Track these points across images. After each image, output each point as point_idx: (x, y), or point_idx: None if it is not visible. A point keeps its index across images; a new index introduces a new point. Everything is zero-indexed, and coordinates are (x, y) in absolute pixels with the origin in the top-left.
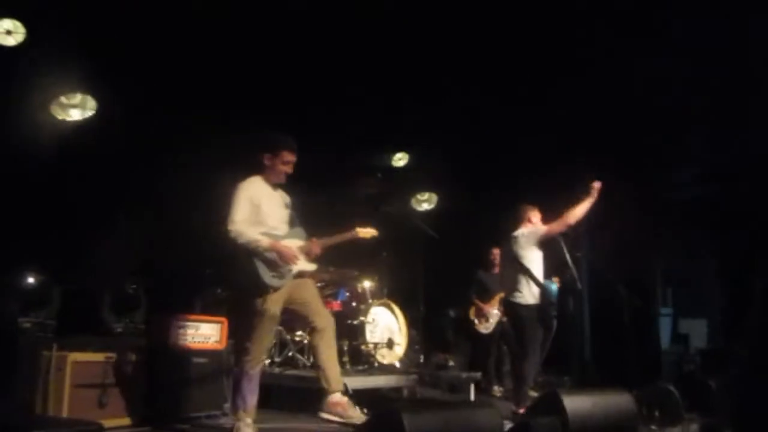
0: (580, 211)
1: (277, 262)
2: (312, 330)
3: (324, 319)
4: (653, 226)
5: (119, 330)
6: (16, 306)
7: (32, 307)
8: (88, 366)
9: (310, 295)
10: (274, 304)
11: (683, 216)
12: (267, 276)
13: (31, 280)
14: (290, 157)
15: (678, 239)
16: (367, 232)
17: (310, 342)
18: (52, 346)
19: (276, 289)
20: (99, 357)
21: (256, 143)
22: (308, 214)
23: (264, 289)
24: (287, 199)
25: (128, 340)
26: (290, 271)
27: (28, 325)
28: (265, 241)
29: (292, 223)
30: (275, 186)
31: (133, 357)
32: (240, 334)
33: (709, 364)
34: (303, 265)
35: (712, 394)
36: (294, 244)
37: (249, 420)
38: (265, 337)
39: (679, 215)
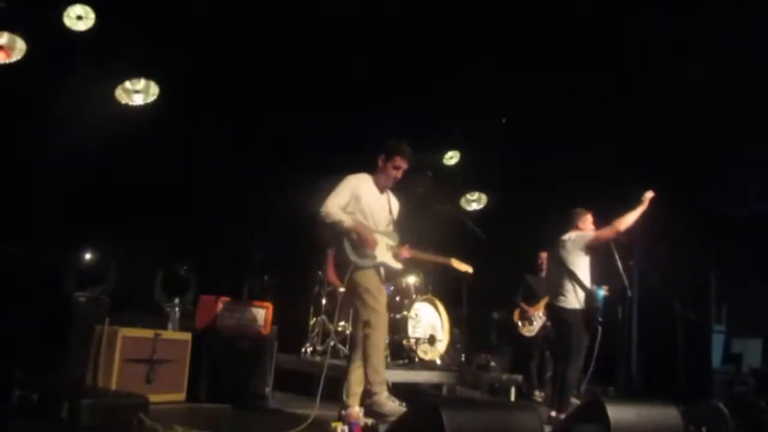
0: (630, 219)
1: (360, 244)
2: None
3: None
4: (710, 241)
5: (168, 310)
6: (72, 281)
7: (88, 282)
8: (138, 342)
9: None
10: (366, 278)
11: (742, 231)
12: (352, 254)
13: (87, 256)
14: (402, 163)
15: (736, 255)
16: (462, 266)
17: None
18: (105, 320)
19: (361, 267)
20: (148, 334)
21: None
22: None
23: (349, 264)
24: (395, 205)
25: (177, 320)
26: (374, 256)
27: (83, 299)
28: (348, 221)
29: (391, 227)
30: (384, 188)
31: (180, 337)
32: (357, 311)
33: (763, 386)
34: (388, 258)
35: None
36: (383, 241)
37: (386, 392)
38: (372, 310)
39: (737, 230)
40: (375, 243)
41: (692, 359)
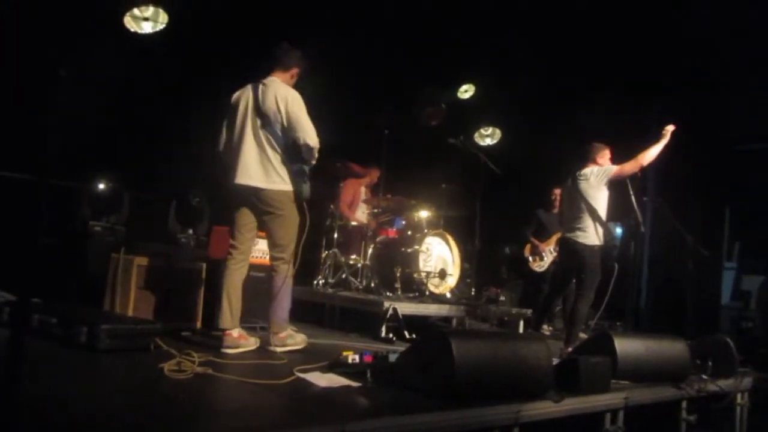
0: (653, 152)
1: None
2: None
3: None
4: (725, 177)
5: (183, 240)
6: (87, 210)
7: (103, 212)
8: (153, 270)
9: None
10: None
11: (758, 168)
12: (308, 190)
13: (102, 186)
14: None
15: (751, 192)
16: None
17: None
18: (120, 249)
19: None
20: (163, 263)
21: (294, 57)
22: (373, 145)
23: (304, 200)
24: None
25: (191, 251)
26: None
27: (98, 228)
28: None
29: None
30: None
31: (194, 266)
32: (292, 243)
33: None
34: None
35: None
36: None
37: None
38: (282, 248)
39: (753, 167)
40: None
41: (702, 295)
